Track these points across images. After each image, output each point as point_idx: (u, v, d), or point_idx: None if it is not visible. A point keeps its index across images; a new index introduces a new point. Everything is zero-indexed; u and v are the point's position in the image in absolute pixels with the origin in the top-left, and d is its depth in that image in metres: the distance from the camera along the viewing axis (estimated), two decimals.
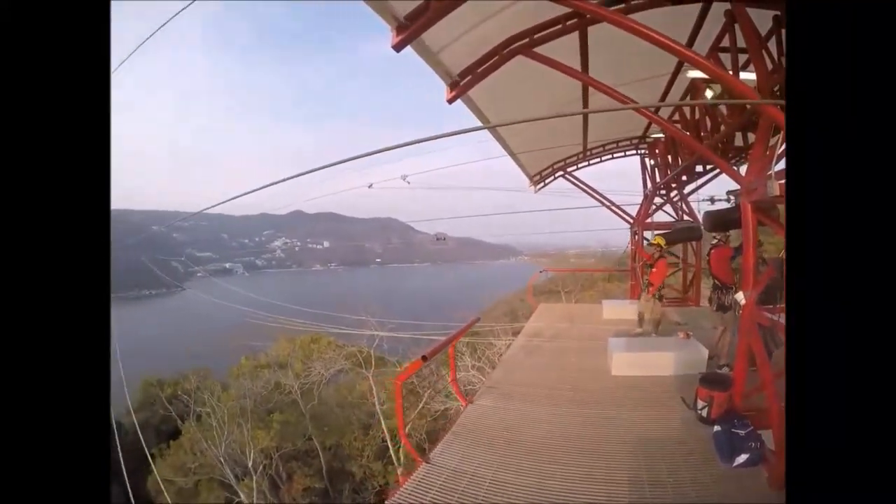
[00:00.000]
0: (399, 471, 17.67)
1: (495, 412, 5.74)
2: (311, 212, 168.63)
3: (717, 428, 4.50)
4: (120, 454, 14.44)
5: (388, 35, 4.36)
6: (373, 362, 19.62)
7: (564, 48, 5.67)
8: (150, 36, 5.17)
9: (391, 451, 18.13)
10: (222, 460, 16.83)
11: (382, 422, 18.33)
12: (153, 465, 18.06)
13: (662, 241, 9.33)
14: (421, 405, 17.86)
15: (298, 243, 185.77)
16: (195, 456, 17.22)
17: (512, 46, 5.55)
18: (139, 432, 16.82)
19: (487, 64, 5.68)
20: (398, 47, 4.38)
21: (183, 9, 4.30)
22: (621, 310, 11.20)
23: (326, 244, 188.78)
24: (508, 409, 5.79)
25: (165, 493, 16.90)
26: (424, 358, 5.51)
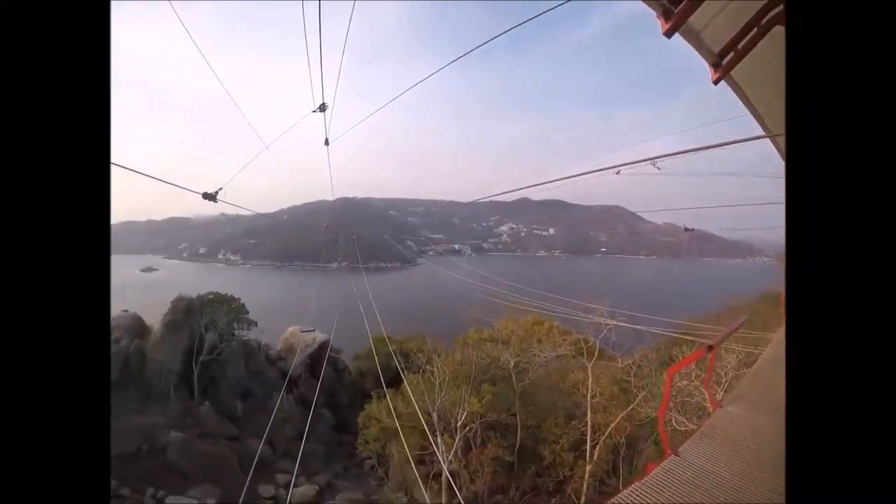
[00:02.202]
0: (588, 467, 17.32)
1: (744, 420, 5.50)
2: (538, 199, 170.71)
3: None
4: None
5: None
6: (596, 353, 19.17)
7: None
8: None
9: (588, 446, 17.70)
10: (435, 414, 18.69)
11: (589, 414, 17.88)
12: (369, 404, 21.38)
13: None
14: (630, 407, 17.00)
15: (524, 229, 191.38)
16: (407, 404, 19.22)
17: (769, 15, 4.98)
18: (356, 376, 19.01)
19: (747, 38, 5.21)
20: (669, 33, 4.18)
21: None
22: None
23: (552, 231, 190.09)
24: (757, 420, 5.47)
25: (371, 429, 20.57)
26: (710, 348, 5.34)
